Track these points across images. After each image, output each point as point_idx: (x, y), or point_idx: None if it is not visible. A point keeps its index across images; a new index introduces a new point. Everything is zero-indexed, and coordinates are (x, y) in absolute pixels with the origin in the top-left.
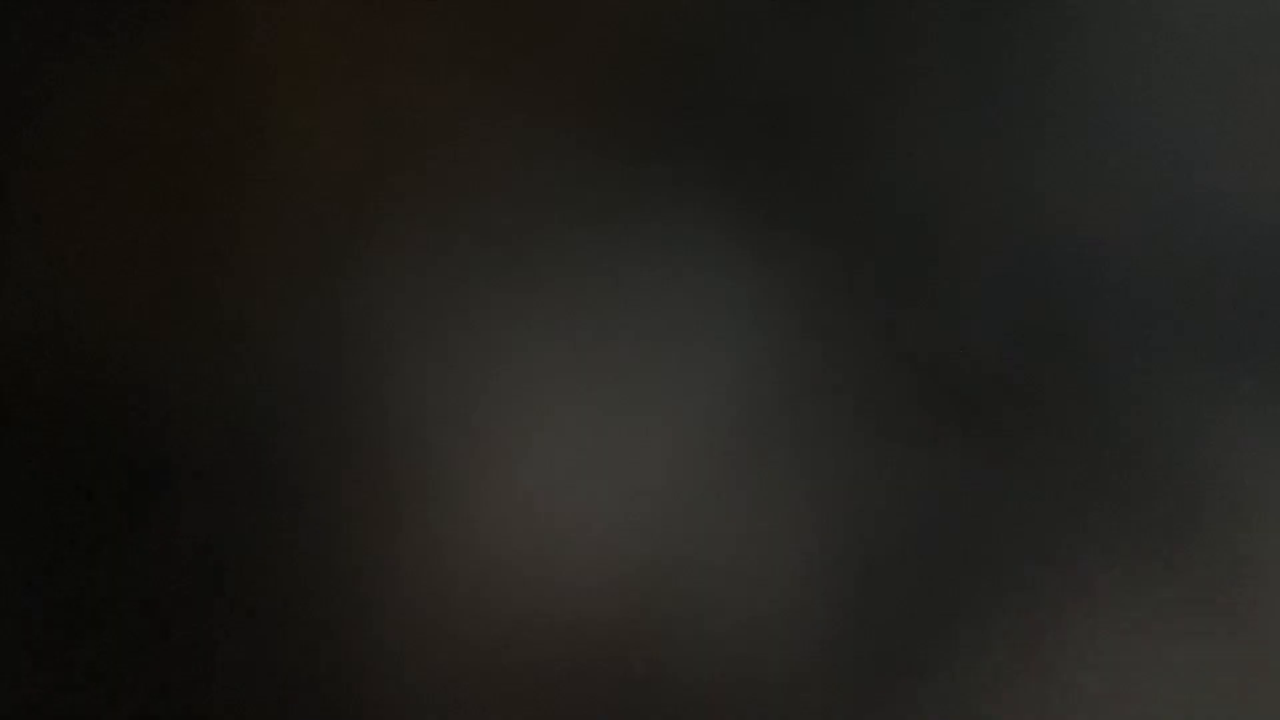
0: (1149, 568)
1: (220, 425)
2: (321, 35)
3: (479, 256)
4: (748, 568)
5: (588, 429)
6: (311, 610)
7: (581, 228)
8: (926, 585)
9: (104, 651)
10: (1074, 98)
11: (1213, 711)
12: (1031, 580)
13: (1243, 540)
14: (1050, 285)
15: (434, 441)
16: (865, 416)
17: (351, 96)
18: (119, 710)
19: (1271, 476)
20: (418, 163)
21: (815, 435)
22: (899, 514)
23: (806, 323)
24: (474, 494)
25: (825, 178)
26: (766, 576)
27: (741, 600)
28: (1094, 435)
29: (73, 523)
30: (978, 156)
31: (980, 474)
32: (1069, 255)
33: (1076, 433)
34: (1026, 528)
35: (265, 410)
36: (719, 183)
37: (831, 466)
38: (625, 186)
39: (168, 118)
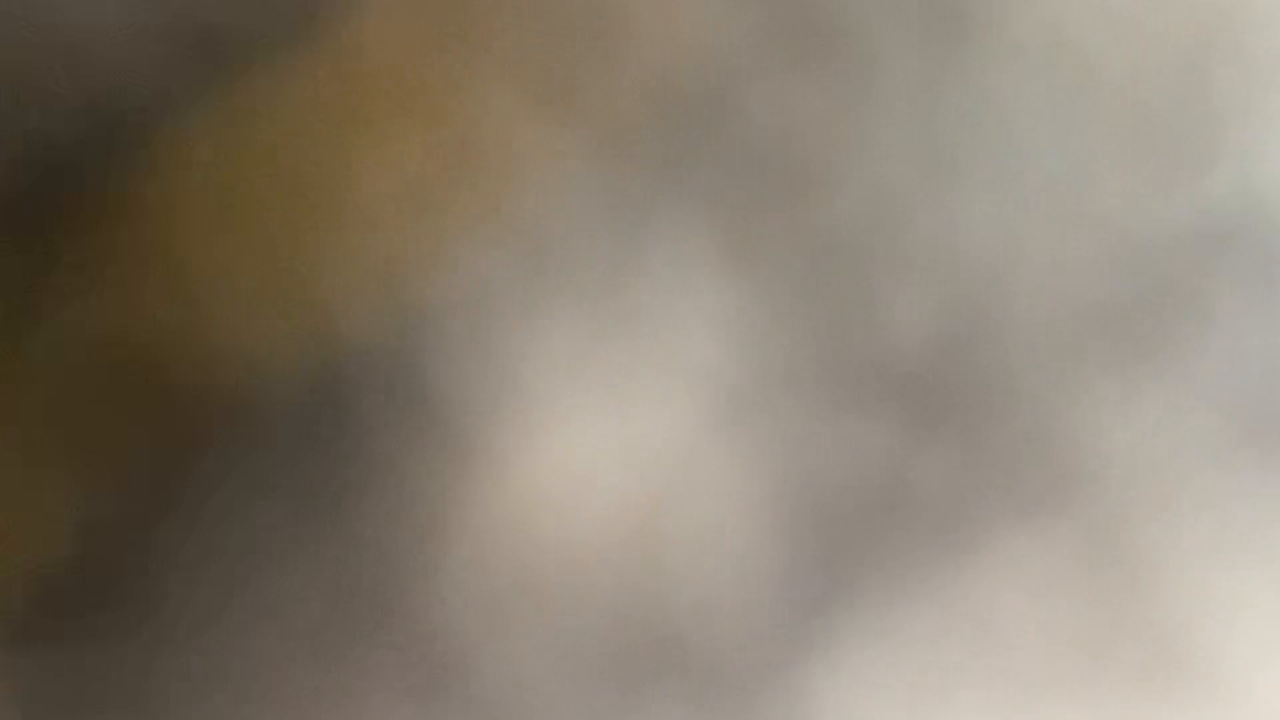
0: (1041, 521)
1: (313, 389)
2: (403, 74)
3: (523, 257)
4: (720, 507)
5: (604, 396)
6: (389, 530)
7: (607, 235)
8: (859, 529)
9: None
10: (990, 143)
11: (1083, 634)
12: (941, 528)
13: (1113, 502)
14: (967, 295)
15: (486, 402)
16: (818, 394)
17: (427, 124)
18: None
19: (1140, 453)
20: (477, 179)
21: (778, 406)
22: (839, 471)
23: (777, 320)
24: (518, 444)
25: (795, 206)
26: (737, 513)
27: (714, 530)
28: (999, 416)
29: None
30: (913, 193)
31: (907, 444)
32: (982, 271)
33: (986, 414)
34: (943, 487)
35: (350, 376)
36: (714, 205)
37: (788, 431)
38: (641, 205)
39: (278, 141)
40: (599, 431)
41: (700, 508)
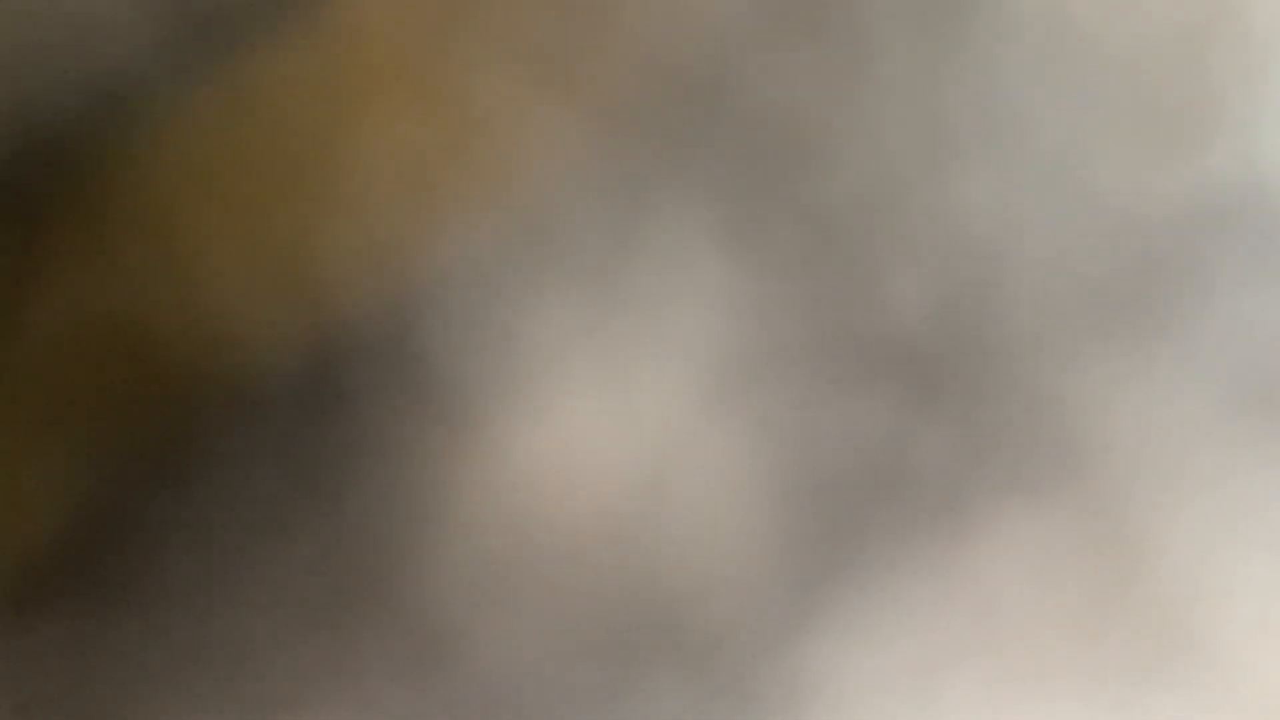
0: (1040, 496)
1: (310, 366)
2: (401, 52)
3: (521, 234)
4: (719, 485)
5: (602, 374)
6: (384, 507)
7: (605, 212)
8: (857, 505)
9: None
10: (988, 122)
11: (1082, 605)
12: (941, 506)
13: (1114, 480)
14: (966, 272)
15: (483, 379)
16: (817, 371)
17: (425, 101)
18: (229, 597)
19: (1139, 429)
20: (475, 157)
21: (777, 384)
22: (839, 449)
23: (775, 297)
24: (515, 422)
25: (794, 183)
26: (734, 490)
27: (712, 508)
28: (997, 392)
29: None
30: (912, 171)
31: (906, 420)
32: (982, 247)
33: (985, 390)
34: (941, 463)
35: (347, 353)
36: (712, 183)
37: (787, 408)
38: (640, 182)
39: (276, 118)
40: (597, 408)
41: (698, 485)
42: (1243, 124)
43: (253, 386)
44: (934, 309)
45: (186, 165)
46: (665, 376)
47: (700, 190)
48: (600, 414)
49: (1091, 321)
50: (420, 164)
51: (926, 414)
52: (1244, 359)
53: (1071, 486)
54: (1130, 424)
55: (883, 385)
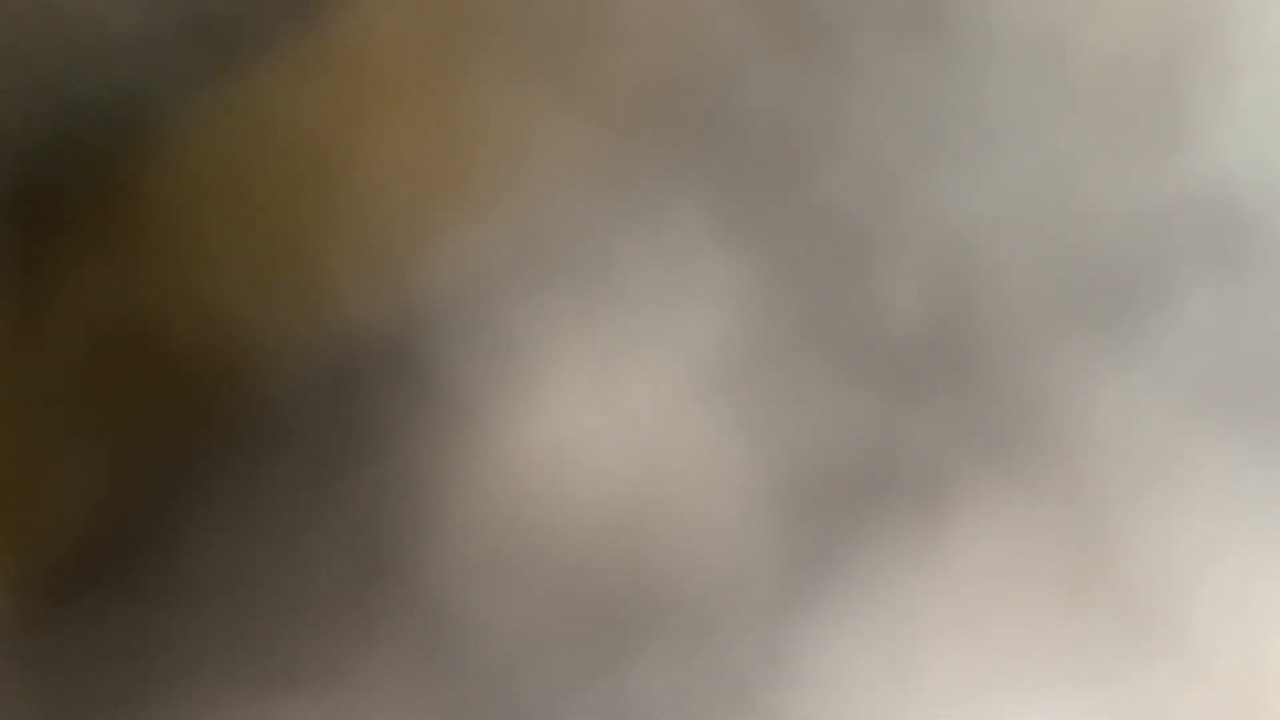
0: (1019, 487)
1: (319, 365)
2: (406, 61)
3: (520, 236)
4: (710, 474)
5: (599, 368)
6: (391, 500)
7: (602, 213)
8: (845, 495)
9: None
10: (973, 127)
11: (1059, 593)
12: (924, 495)
13: (1090, 468)
14: (952, 270)
15: (483, 376)
16: (807, 366)
17: (429, 108)
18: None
19: (1115, 419)
20: (477, 162)
21: (767, 377)
22: (827, 440)
23: (767, 295)
24: (514, 416)
25: (790, 184)
26: (723, 481)
27: (705, 503)
28: (980, 385)
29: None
30: (904, 171)
31: (893, 413)
32: (968, 246)
33: (966, 384)
34: (926, 455)
35: (354, 353)
36: (707, 184)
37: (777, 401)
38: (636, 184)
39: (284, 126)
40: (593, 401)
41: (690, 474)
42: (1213, 132)
43: (265, 386)
44: (920, 306)
45: (199, 175)
46: (659, 370)
47: (695, 192)
48: (596, 407)
49: (1071, 318)
50: (424, 171)
51: (912, 406)
52: (1210, 356)
53: (1050, 475)
54: (1106, 415)
55: (871, 379)
